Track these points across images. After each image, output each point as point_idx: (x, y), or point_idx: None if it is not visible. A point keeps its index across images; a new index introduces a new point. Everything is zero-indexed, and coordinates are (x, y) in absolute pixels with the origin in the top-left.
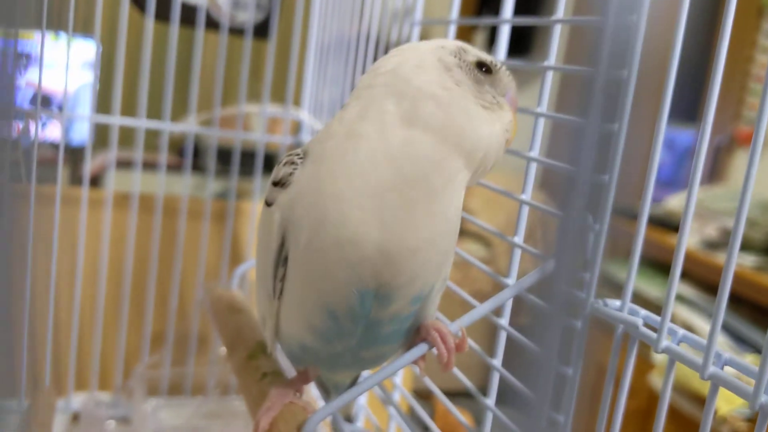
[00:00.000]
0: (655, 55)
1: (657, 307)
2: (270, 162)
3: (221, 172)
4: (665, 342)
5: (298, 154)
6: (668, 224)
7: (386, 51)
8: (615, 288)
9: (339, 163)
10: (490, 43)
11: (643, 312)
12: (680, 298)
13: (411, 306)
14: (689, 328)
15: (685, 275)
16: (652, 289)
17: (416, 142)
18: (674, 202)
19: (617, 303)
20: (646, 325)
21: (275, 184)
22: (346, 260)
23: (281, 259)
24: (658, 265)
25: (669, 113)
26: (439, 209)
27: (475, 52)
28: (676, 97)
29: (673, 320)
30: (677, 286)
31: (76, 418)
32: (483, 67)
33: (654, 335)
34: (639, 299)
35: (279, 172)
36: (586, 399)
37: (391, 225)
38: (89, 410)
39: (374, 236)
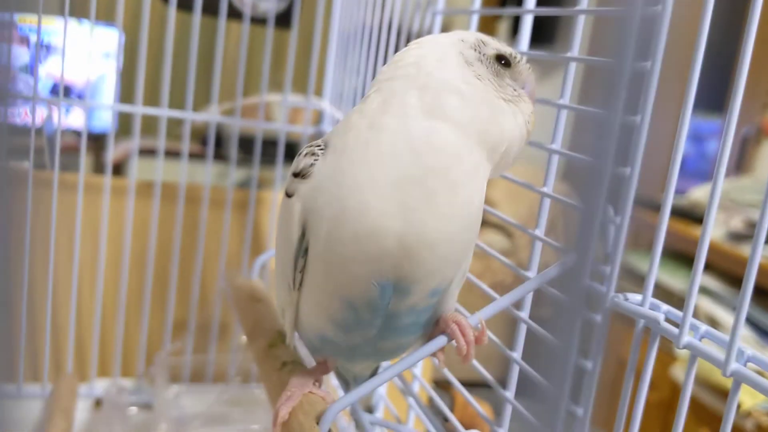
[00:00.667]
0: (681, 44)
1: (681, 300)
2: (291, 151)
3: (243, 161)
4: (687, 338)
5: (318, 145)
6: (693, 216)
7: (408, 41)
8: (638, 279)
9: (360, 155)
10: (513, 33)
11: (665, 307)
12: (704, 291)
13: (429, 299)
14: (713, 320)
15: (710, 267)
16: (675, 281)
17: (438, 135)
18: (699, 193)
19: (638, 297)
20: (668, 320)
21: (296, 175)
22: (366, 252)
23: (301, 251)
24: (682, 256)
25: (695, 103)
26: (461, 202)
27: (494, 45)
28: (702, 86)
29: (696, 313)
30: (702, 278)
31: (98, 403)
32: (502, 60)
33: (676, 330)
34: (663, 291)
35: (299, 163)
36: (606, 392)
37: (411, 217)
38: (112, 396)
39: (395, 228)
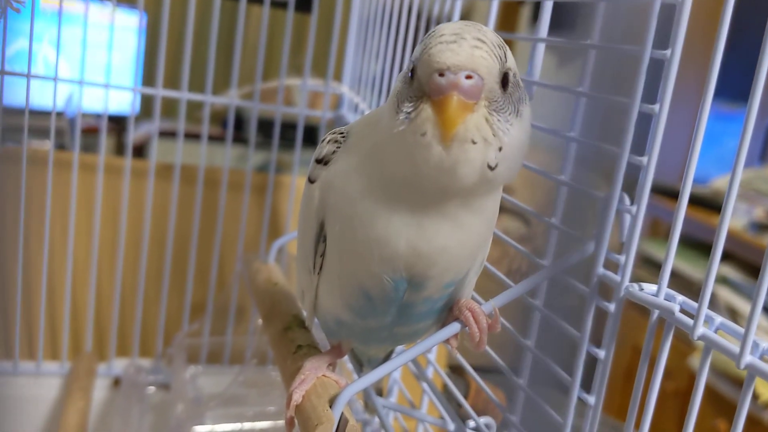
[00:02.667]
0: (704, 31)
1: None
2: (310, 135)
3: (262, 144)
4: (702, 329)
5: (341, 133)
6: (714, 205)
7: (428, 26)
8: (657, 269)
9: (369, 162)
10: (534, 19)
11: (680, 297)
12: (725, 281)
13: (444, 290)
14: (733, 311)
15: (732, 257)
16: (696, 271)
17: None
18: (721, 182)
19: (654, 287)
20: (683, 311)
21: (318, 161)
22: (377, 255)
23: (321, 236)
24: (703, 246)
25: (721, 92)
26: (478, 213)
27: (417, 52)
28: (729, 75)
29: (717, 303)
30: (723, 268)
31: (117, 382)
32: (411, 71)
33: (690, 322)
34: (683, 281)
35: (322, 150)
36: (619, 381)
37: (422, 228)
38: (130, 376)
39: (404, 236)
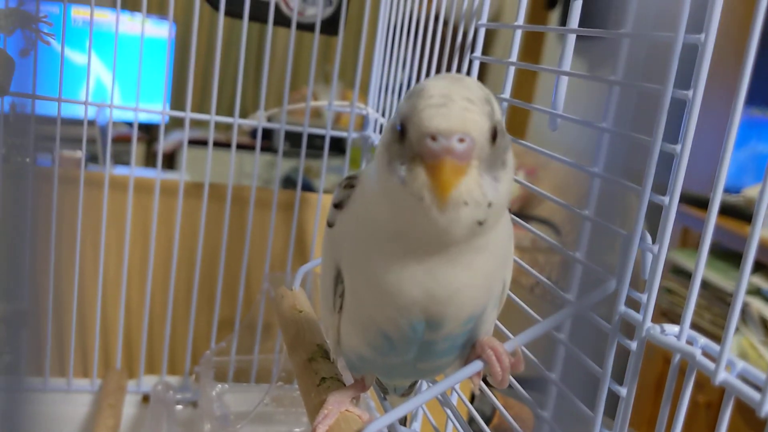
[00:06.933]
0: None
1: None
2: (337, 144)
3: (289, 153)
4: (723, 374)
5: (355, 177)
6: (747, 214)
7: (454, 33)
8: (685, 278)
9: (373, 212)
10: (563, 22)
11: (702, 340)
12: (758, 292)
13: (464, 326)
14: (766, 323)
15: (765, 268)
16: (728, 282)
17: None
18: (754, 191)
19: (675, 329)
20: (705, 353)
21: (335, 206)
22: (392, 303)
23: (339, 278)
24: (735, 256)
25: (757, 100)
26: (483, 250)
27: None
28: (762, 83)
29: (749, 314)
30: (756, 279)
31: (146, 399)
32: (400, 126)
33: (712, 366)
34: (714, 291)
35: (339, 195)
36: (644, 418)
37: (432, 273)
38: (158, 393)
39: (417, 284)
